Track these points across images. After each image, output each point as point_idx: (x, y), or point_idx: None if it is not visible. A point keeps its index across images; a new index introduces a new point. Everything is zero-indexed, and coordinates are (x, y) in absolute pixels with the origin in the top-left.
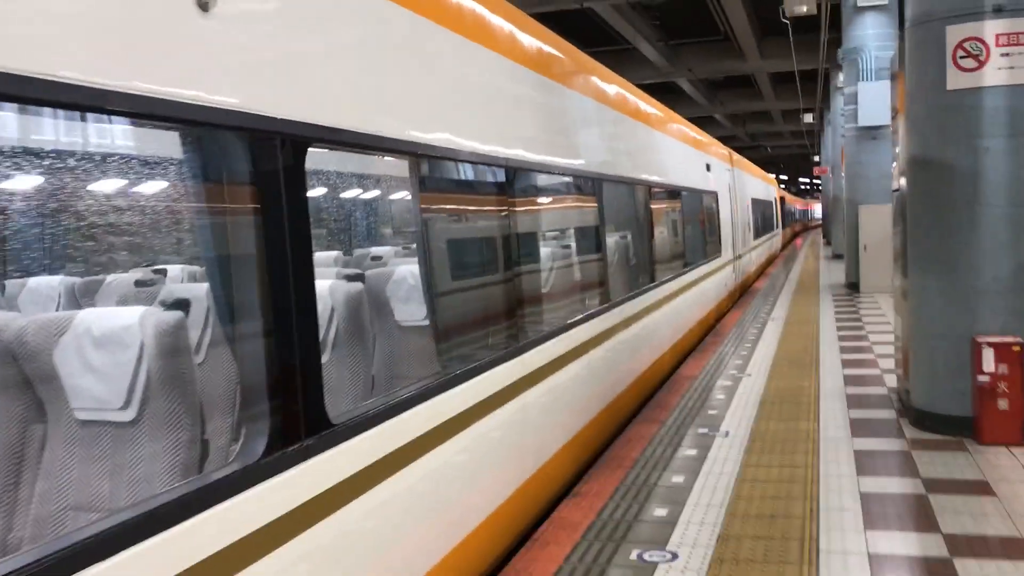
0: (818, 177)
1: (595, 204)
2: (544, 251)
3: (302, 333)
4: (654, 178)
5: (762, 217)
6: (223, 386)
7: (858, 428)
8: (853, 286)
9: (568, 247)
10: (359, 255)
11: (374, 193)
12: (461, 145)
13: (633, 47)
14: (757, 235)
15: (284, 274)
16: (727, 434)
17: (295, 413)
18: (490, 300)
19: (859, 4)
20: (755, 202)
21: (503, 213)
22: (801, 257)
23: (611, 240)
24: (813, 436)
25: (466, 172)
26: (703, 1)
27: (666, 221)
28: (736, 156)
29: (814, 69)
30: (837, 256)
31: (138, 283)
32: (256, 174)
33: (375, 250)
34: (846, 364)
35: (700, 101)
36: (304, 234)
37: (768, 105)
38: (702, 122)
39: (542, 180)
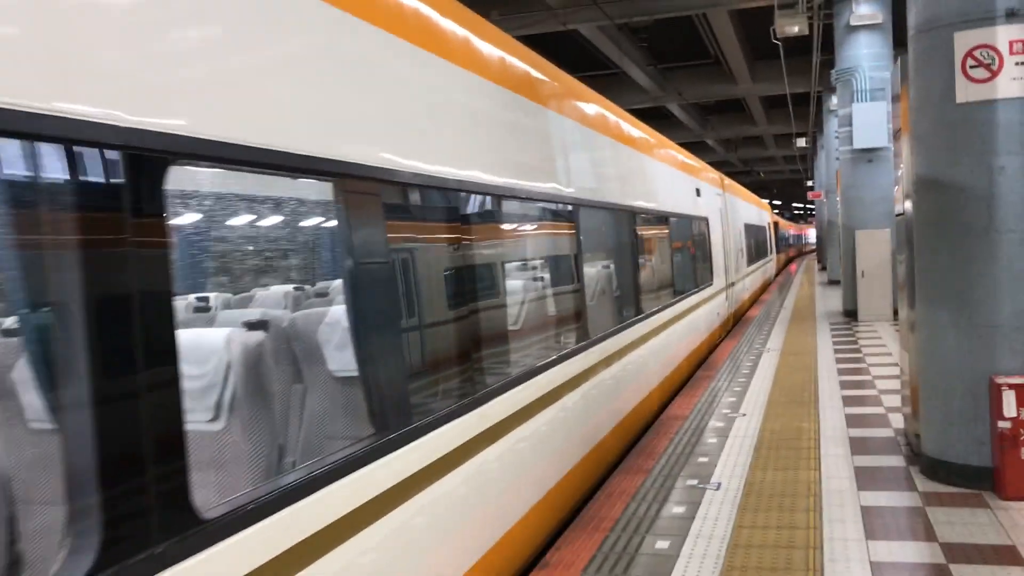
0: (812, 202)
1: (571, 232)
2: (509, 285)
3: (157, 401)
4: (639, 203)
5: (756, 243)
6: (41, 475)
7: (864, 478)
8: (851, 314)
9: (538, 280)
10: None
11: (298, 221)
12: (400, 165)
13: (622, 71)
14: (751, 261)
15: (130, 320)
16: (719, 486)
17: (142, 510)
18: (442, 343)
19: (852, 23)
20: (748, 227)
21: (456, 243)
22: (796, 283)
23: (590, 270)
24: (814, 489)
25: (410, 197)
26: (692, 24)
27: (652, 248)
28: (728, 181)
29: (806, 92)
30: (833, 282)
31: None
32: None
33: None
34: (847, 401)
35: (691, 126)
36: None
37: (760, 130)
38: (694, 147)
39: (505, 206)
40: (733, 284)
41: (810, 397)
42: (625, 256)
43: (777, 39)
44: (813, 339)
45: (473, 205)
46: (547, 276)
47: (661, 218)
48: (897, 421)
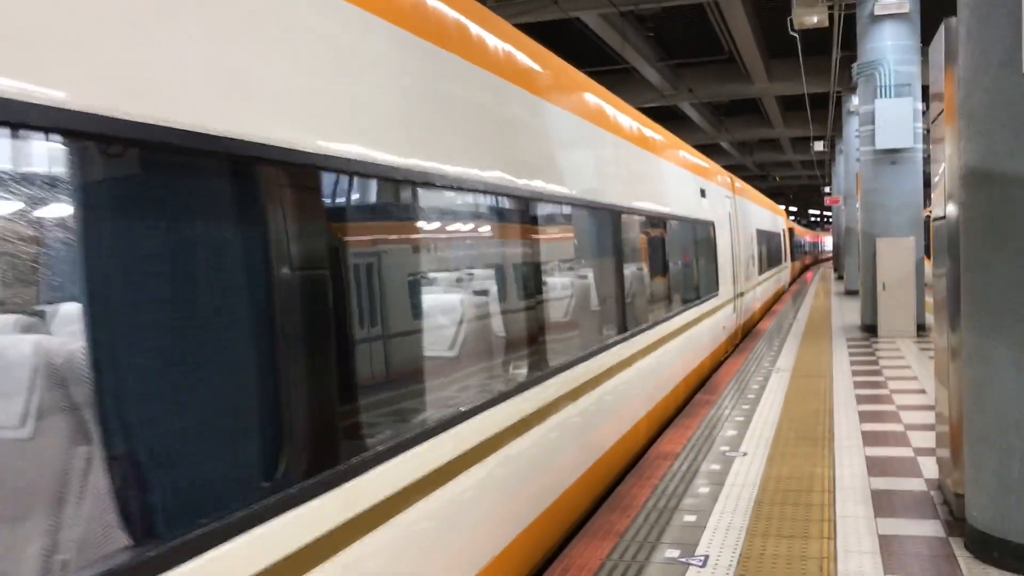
0: (829, 208)
1: (526, 233)
2: (429, 302)
3: None
4: (626, 202)
5: (769, 250)
6: None
7: (891, 553)
8: (870, 329)
9: (482, 297)
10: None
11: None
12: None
13: (631, 67)
14: (764, 269)
15: None
16: (705, 561)
17: None
18: (335, 375)
19: (876, 12)
20: (761, 233)
21: (360, 242)
22: (811, 293)
23: (556, 281)
24: (828, 569)
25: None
26: (704, 16)
27: (644, 256)
28: (739, 183)
29: (825, 92)
30: (850, 292)
31: None
32: None
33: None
34: (868, 439)
35: (705, 128)
36: None
37: (777, 132)
38: (708, 150)
39: (430, 198)
40: (742, 294)
41: (824, 432)
42: (606, 265)
43: (795, 31)
44: (828, 358)
45: (391, 197)
46: (496, 292)
47: (656, 220)
48: (929, 468)
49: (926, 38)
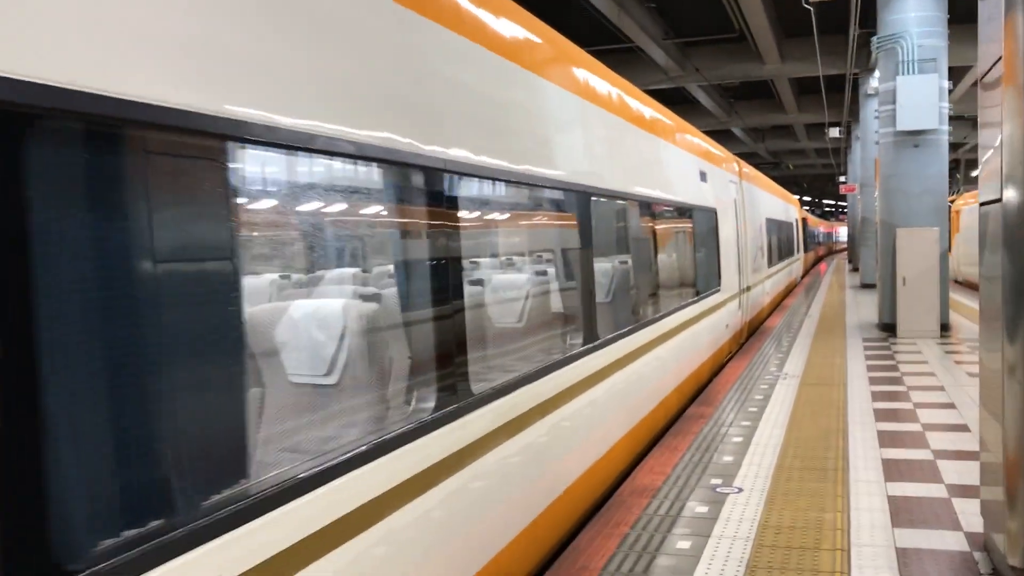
0: (843, 198)
1: (444, 218)
2: (322, 310)
3: None
4: (599, 183)
5: (780, 240)
6: None
7: None
8: (888, 328)
9: (373, 304)
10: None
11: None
12: None
13: (637, 47)
14: (774, 261)
15: None
16: None
17: None
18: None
19: None
20: (771, 223)
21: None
22: (824, 286)
23: (507, 280)
24: None
25: None
26: None
27: (625, 247)
28: (747, 168)
29: (841, 75)
30: (866, 286)
31: None
32: None
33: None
34: (890, 470)
35: (716, 112)
36: None
37: (790, 118)
38: (719, 136)
39: (341, 170)
40: (749, 288)
41: (836, 459)
42: (572, 258)
43: (809, 3)
44: (842, 361)
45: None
46: (429, 290)
47: (640, 205)
48: (968, 514)
49: (953, 9)
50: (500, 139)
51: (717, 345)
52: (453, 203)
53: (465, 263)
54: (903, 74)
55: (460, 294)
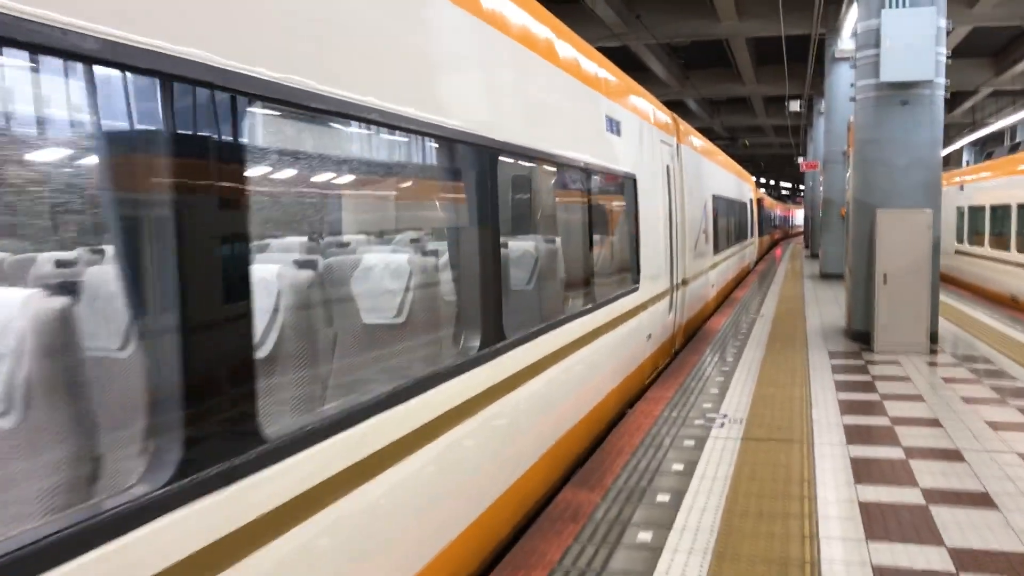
0: (800, 181)
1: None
2: None
3: None
4: (416, 112)
5: (731, 222)
6: None
7: None
8: (861, 338)
9: None
10: None
11: None
12: None
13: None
14: (722, 246)
15: None
16: None
17: None
18: None
19: None
20: (720, 201)
21: None
22: (780, 274)
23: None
24: None
25: None
26: None
27: (476, 229)
28: (687, 128)
29: (805, 38)
30: (827, 276)
31: None
32: None
33: None
34: None
35: (668, 81)
36: None
37: (748, 89)
38: (672, 108)
39: None
40: (686, 282)
41: None
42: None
43: None
44: (803, 393)
45: None
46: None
47: (473, 154)
48: None
49: None
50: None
51: (632, 366)
52: None
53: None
54: (890, 6)
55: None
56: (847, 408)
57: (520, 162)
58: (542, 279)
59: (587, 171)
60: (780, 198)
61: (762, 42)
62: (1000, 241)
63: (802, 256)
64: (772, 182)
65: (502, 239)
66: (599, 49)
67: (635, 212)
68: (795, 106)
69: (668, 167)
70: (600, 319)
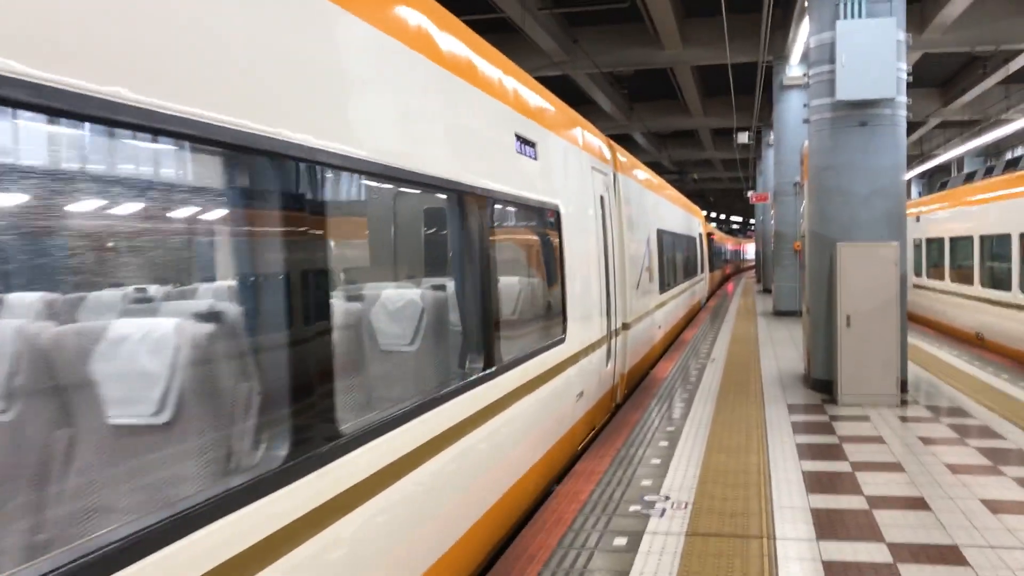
0: (751, 215)
1: None
2: None
3: None
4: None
5: (679, 258)
6: None
7: None
8: (823, 387)
9: None
10: None
11: None
12: None
13: (519, 28)
14: (668, 284)
15: None
16: None
17: None
18: None
19: None
20: (666, 236)
21: None
22: (732, 311)
23: None
24: None
25: None
26: None
27: (296, 281)
28: (627, 157)
29: (752, 63)
30: (780, 313)
31: None
32: None
33: None
34: None
35: (613, 114)
36: None
37: (695, 122)
38: (618, 141)
39: None
40: (628, 326)
41: None
42: None
43: None
44: (760, 459)
45: None
46: None
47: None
48: None
49: None
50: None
51: (558, 433)
52: None
53: None
54: (845, 17)
55: None
56: (813, 482)
57: (380, 184)
58: (429, 337)
59: (487, 199)
60: (731, 232)
61: (708, 72)
62: (962, 275)
63: (754, 291)
64: (723, 216)
65: (349, 287)
66: (539, 79)
67: (559, 249)
68: (743, 138)
69: (603, 197)
70: (510, 382)
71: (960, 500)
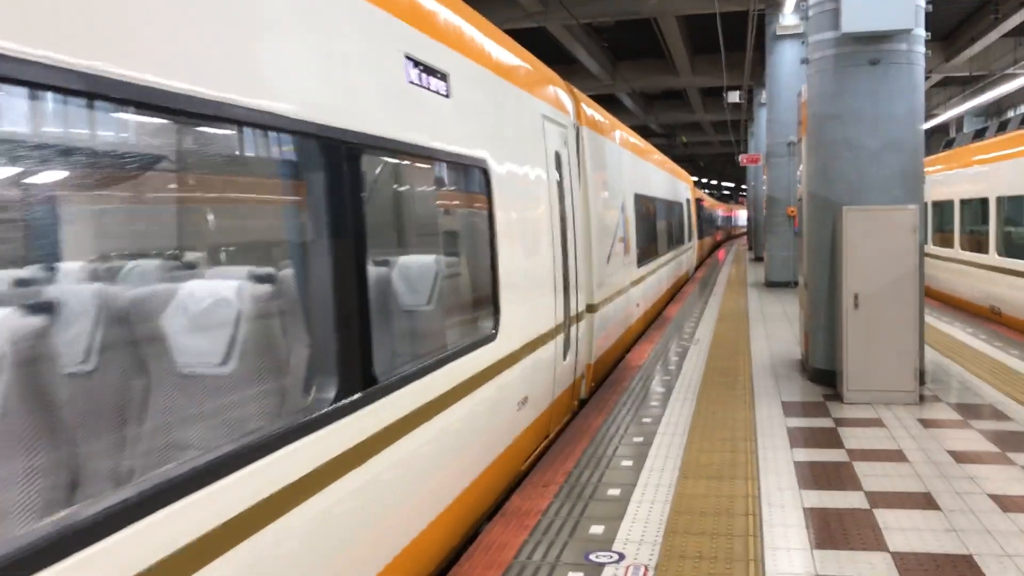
0: (743, 180)
1: None
2: None
3: None
4: None
5: (662, 227)
6: None
7: None
8: (823, 379)
9: None
10: None
11: None
12: None
13: None
14: (647, 257)
15: None
16: None
17: None
18: None
19: None
20: (647, 202)
21: None
22: (722, 283)
23: None
24: None
25: None
26: None
27: None
28: (594, 109)
29: (743, 13)
30: (772, 284)
31: None
32: None
33: None
34: None
35: (598, 74)
36: None
37: (683, 81)
38: (604, 101)
39: None
40: (594, 308)
41: None
42: None
43: None
44: (749, 487)
45: None
46: None
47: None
48: None
49: None
50: None
51: (489, 457)
52: None
53: None
54: None
55: None
56: (820, 527)
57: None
58: (245, 356)
59: (351, 146)
60: (722, 198)
61: (696, 26)
62: (974, 242)
63: (746, 259)
64: (714, 182)
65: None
66: (512, 32)
67: (489, 218)
68: (734, 97)
69: (559, 154)
70: (395, 409)
71: (1010, 548)
